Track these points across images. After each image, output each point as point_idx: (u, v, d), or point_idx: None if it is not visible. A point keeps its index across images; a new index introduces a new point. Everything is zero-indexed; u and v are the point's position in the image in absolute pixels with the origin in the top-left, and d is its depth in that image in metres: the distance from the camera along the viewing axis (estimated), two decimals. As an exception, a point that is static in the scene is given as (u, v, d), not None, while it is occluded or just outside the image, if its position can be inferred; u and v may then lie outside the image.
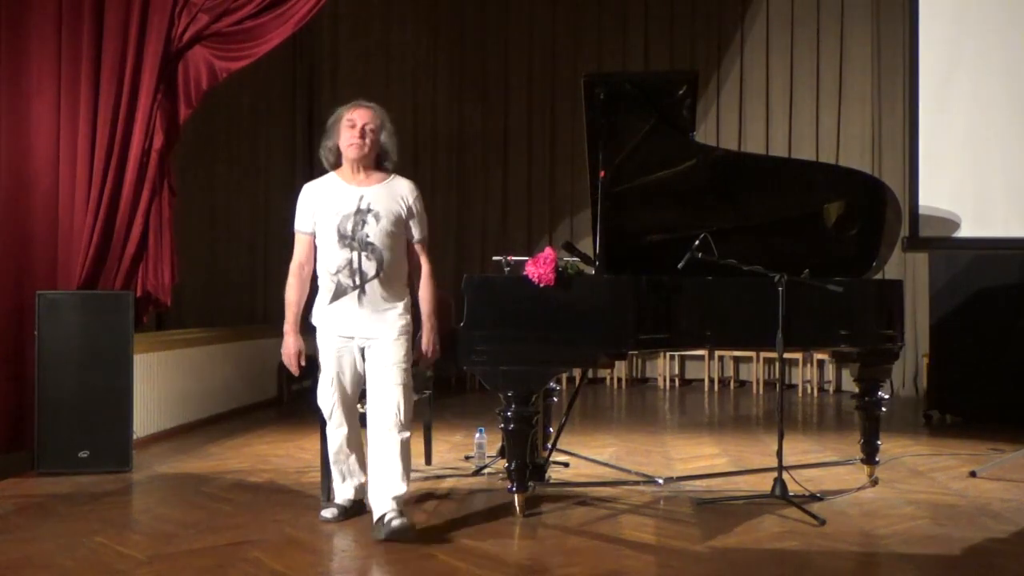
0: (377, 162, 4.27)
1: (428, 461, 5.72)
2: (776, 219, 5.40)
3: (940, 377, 7.81)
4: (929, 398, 7.99)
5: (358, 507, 4.42)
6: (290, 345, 4.41)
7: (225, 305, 9.41)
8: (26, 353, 5.53)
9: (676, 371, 10.32)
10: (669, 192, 5.34)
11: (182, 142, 6.30)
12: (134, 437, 5.63)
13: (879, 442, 5.29)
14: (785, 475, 4.76)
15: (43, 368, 5.39)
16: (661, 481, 5.31)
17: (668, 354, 10.11)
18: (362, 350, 4.25)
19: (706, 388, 10.03)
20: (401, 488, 4.11)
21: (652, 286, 4.64)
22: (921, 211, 7.00)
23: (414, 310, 4.33)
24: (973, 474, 5.52)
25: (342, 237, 4.15)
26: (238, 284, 9.70)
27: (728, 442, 6.69)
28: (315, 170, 10.42)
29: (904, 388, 9.55)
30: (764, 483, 4.94)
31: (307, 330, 4.45)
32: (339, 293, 4.19)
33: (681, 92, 5.14)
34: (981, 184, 7.76)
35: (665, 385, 10.20)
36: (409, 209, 4.25)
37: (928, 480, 5.46)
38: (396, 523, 4.00)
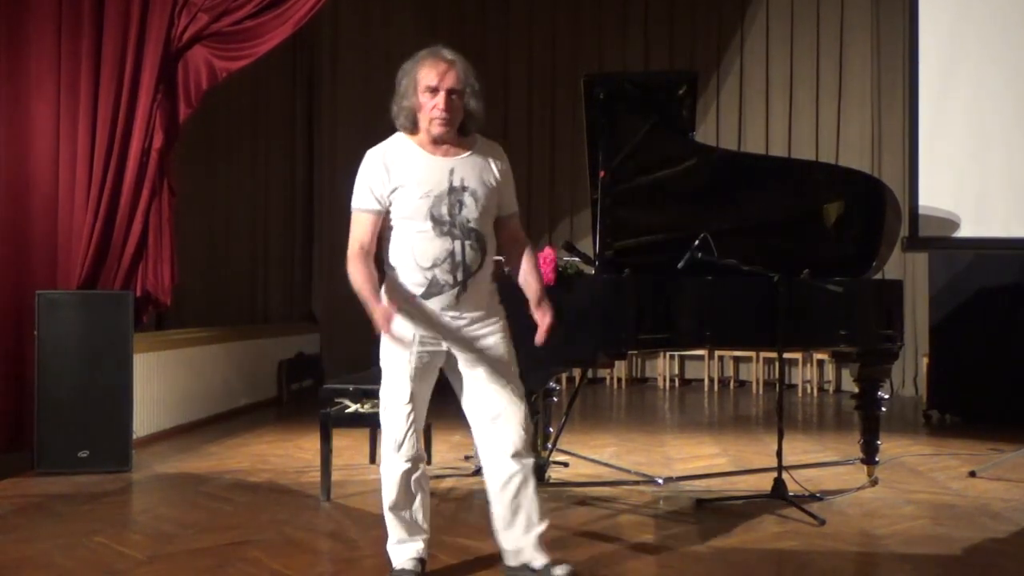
0: (461, 127, 3.46)
1: (428, 461, 5.71)
2: (776, 219, 5.40)
3: (940, 377, 7.81)
4: (929, 398, 7.99)
5: (424, 569, 3.58)
6: (381, 312, 3.28)
7: (225, 305, 9.40)
8: (26, 353, 5.53)
9: (676, 371, 10.32)
10: (669, 192, 5.34)
11: (182, 142, 6.29)
12: (134, 437, 5.63)
13: (879, 442, 5.29)
14: (785, 475, 4.76)
15: (43, 368, 5.38)
16: (661, 481, 5.31)
17: (668, 354, 10.12)
18: (451, 359, 3.47)
19: (706, 388, 10.03)
20: (543, 525, 3.45)
21: (652, 286, 4.64)
22: (921, 211, 7.01)
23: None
24: (973, 474, 5.52)
25: (439, 223, 3.32)
26: (238, 284, 9.70)
27: (728, 442, 6.69)
28: (315, 170, 10.46)
29: (904, 388, 9.55)
30: (764, 483, 4.93)
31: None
32: (433, 291, 3.35)
33: (681, 92, 5.15)
34: (981, 184, 7.76)
35: (665, 385, 10.20)
36: (500, 179, 3.47)
37: (928, 480, 5.46)
38: (560, 571, 3.39)
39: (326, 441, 4.80)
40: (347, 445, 5.93)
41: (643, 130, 5.08)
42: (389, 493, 3.48)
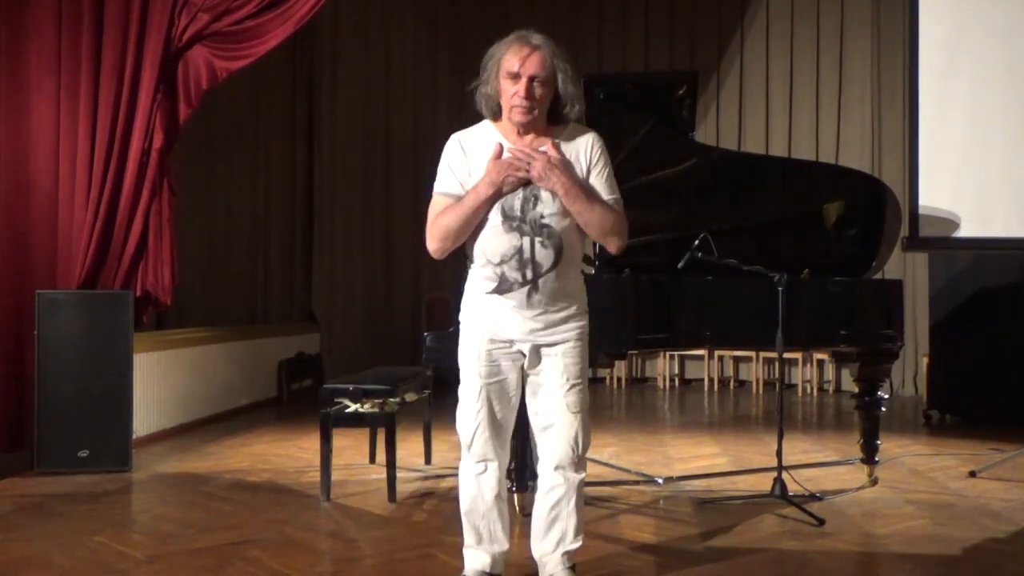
0: (551, 114, 3.24)
1: (428, 461, 5.72)
2: (776, 219, 5.40)
3: (940, 377, 7.81)
4: (929, 398, 7.99)
5: None
6: (487, 170, 3.17)
7: (225, 304, 9.42)
8: (26, 352, 5.53)
9: (676, 371, 10.32)
10: (669, 192, 5.34)
11: (182, 142, 6.29)
12: (134, 436, 5.63)
13: (879, 442, 5.29)
14: (785, 475, 4.76)
15: (43, 367, 5.38)
16: (661, 481, 5.30)
17: (668, 354, 10.11)
18: (524, 359, 3.28)
19: (706, 388, 10.02)
20: (576, 544, 3.33)
21: (652, 286, 4.64)
22: (921, 211, 7.02)
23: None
24: (973, 474, 5.52)
25: (508, 218, 3.17)
26: (238, 284, 9.71)
27: (728, 442, 6.69)
28: (315, 171, 10.46)
29: (904, 388, 9.54)
30: (764, 483, 4.94)
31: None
32: (503, 288, 3.20)
33: (681, 92, 5.15)
34: (981, 184, 7.77)
35: (665, 385, 10.20)
36: (590, 169, 3.24)
37: (928, 480, 5.45)
38: None
39: (326, 441, 4.80)
40: (347, 445, 5.93)
41: (643, 130, 5.09)
42: (461, 494, 3.36)
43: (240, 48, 5.82)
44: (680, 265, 4.67)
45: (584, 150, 3.25)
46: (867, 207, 5.35)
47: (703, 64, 10.20)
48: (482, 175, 3.18)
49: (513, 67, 3.13)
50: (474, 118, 3.38)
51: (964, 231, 7.62)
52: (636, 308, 4.59)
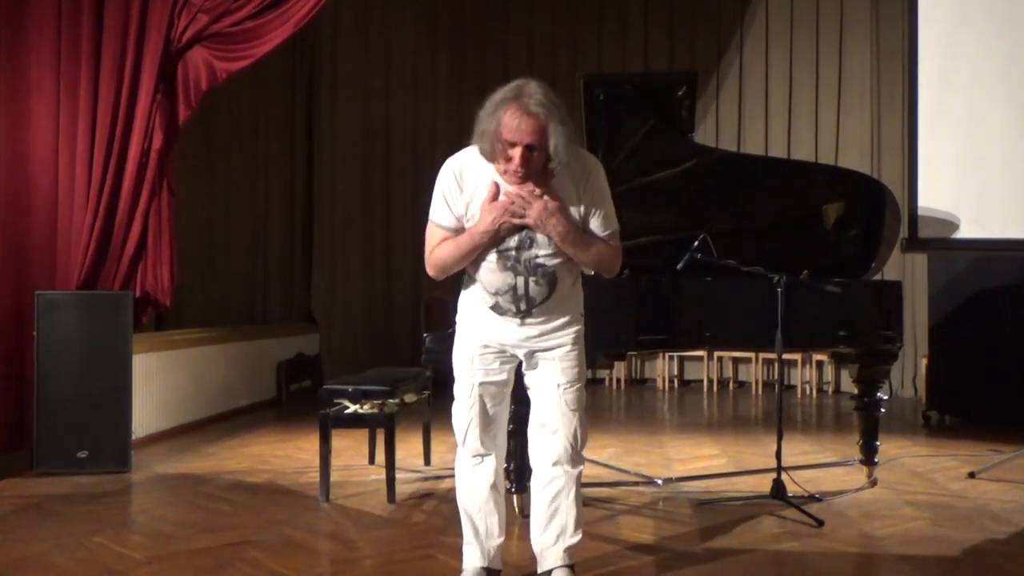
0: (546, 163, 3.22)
1: (427, 461, 5.72)
2: (775, 220, 5.40)
3: (939, 378, 7.81)
4: (928, 399, 7.99)
5: None
6: (487, 211, 3.19)
7: (224, 305, 9.42)
8: (25, 353, 5.53)
9: (675, 372, 10.32)
10: (668, 193, 5.34)
11: (182, 143, 6.30)
12: (133, 437, 5.63)
13: (878, 443, 5.29)
14: (784, 476, 4.75)
15: (42, 369, 5.38)
16: (660, 482, 5.30)
17: (667, 355, 10.11)
18: (520, 361, 3.36)
19: (705, 389, 10.02)
20: (576, 537, 3.37)
21: (651, 287, 4.64)
22: (920, 212, 7.01)
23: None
24: (972, 475, 5.52)
25: (503, 256, 3.22)
26: (237, 285, 9.72)
27: (727, 443, 6.69)
28: (314, 172, 10.47)
29: (903, 389, 9.54)
30: (763, 484, 4.93)
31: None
32: (497, 311, 3.28)
33: (680, 93, 5.15)
34: (980, 185, 7.76)
35: (664, 386, 10.20)
36: (586, 205, 3.24)
37: (927, 481, 5.45)
38: None
39: (325, 442, 4.80)
40: (346, 446, 5.93)
41: (643, 131, 5.09)
42: (458, 488, 3.42)
43: (240, 49, 5.82)
44: (679, 266, 4.68)
45: (577, 187, 3.24)
46: (866, 208, 5.35)
47: (703, 64, 10.21)
48: (479, 218, 3.20)
49: (511, 136, 3.09)
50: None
51: (963, 232, 7.60)
52: (636, 309, 4.59)
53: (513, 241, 3.21)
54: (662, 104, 5.15)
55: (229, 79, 6.01)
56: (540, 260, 3.21)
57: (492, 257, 3.23)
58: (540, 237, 3.20)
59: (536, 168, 3.17)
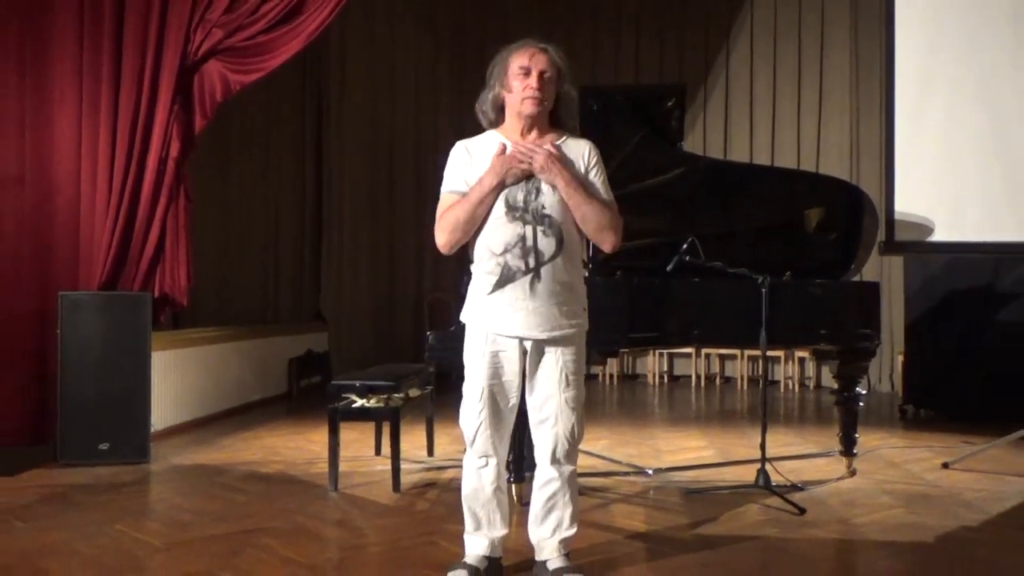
0: (552, 118, 3.33)
1: (430, 453, 5.72)
2: (760, 224, 5.41)
3: (915, 374, 7.82)
4: (904, 393, 7.99)
5: (494, 568, 3.39)
6: (493, 163, 3.23)
7: (238, 305, 9.41)
8: (49, 351, 5.52)
9: (665, 368, 10.31)
10: (659, 198, 5.34)
11: (198, 151, 6.29)
12: (151, 430, 5.63)
13: (856, 435, 5.30)
14: (768, 466, 4.76)
15: (65, 365, 5.38)
16: (651, 472, 5.31)
17: (657, 352, 10.11)
18: (526, 353, 3.28)
19: (693, 384, 10.02)
20: (571, 531, 3.37)
21: (643, 287, 4.65)
22: (897, 217, 7.02)
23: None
24: (946, 465, 5.53)
25: (511, 208, 3.19)
26: (250, 285, 9.70)
27: (714, 435, 6.69)
28: (323, 179, 10.46)
29: (880, 384, 9.55)
30: (748, 474, 4.94)
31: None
32: (505, 279, 3.19)
33: (670, 104, 5.16)
34: (954, 191, 7.77)
35: (654, 381, 10.19)
36: (589, 171, 3.29)
37: (903, 471, 5.46)
38: None
39: (334, 434, 4.80)
40: (354, 438, 5.93)
41: (634, 140, 5.09)
42: (464, 484, 3.39)
43: (252, 62, 5.81)
44: (669, 268, 4.68)
45: (582, 156, 3.30)
46: (846, 213, 5.36)
47: (691, 76, 10.21)
48: (487, 169, 3.22)
49: (524, 62, 3.20)
50: (472, 128, 3.39)
51: (938, 236, 7.61)
52: (628, 309, 4.59)
53: (520, 192, 3.20)
54: (653, 115, 5.16)
55: (242, 91, 6.00)
56: (547, 210, 3.19)
57: (500, 211, 3.20)
58: (546, 188, 3.20)
59: (550, 98, 3.24)
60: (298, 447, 6.13)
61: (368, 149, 10.35)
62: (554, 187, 3.19)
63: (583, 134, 3.41)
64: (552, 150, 3.23)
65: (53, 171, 5.77)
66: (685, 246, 4.69)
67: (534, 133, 3.28)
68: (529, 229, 3.18)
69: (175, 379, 6.65)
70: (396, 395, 4.93)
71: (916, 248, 8.07)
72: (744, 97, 10.28)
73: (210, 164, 8.62)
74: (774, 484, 4.72)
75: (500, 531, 3.38)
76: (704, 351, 10.06)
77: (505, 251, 3.19)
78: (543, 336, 3.23)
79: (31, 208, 5.74)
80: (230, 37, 5.74)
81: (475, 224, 3.24)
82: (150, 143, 5.73)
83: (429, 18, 10.63)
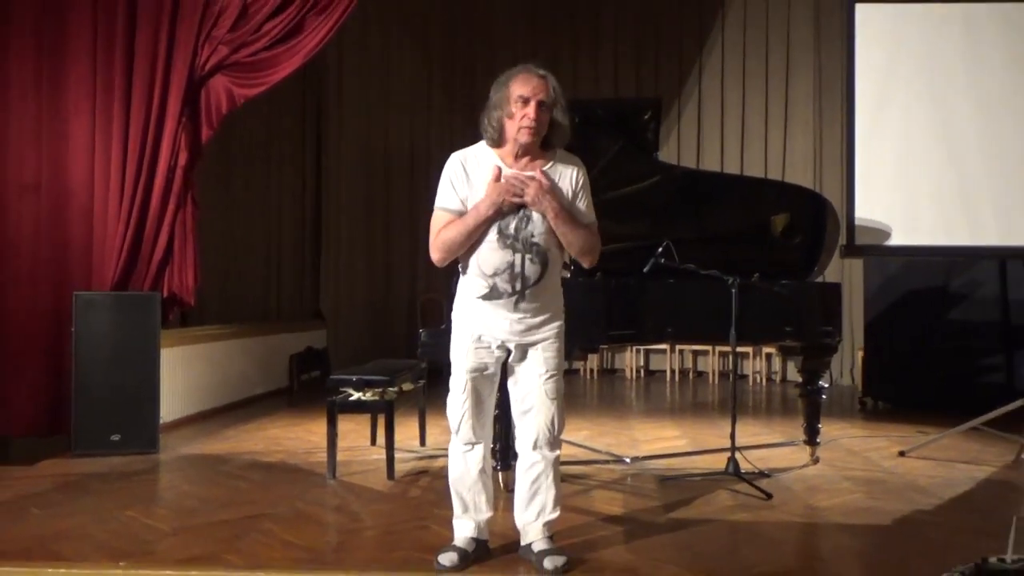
0: (543, 141, 3.29)
1: (423, 443, 5.72)
2: (730, 229, 5.42)
3: (873, 368, 7.86)
4: (864, 387, 8.04)
5: (482, 550, 3.41)
6: (487, 192, 3.22)
7: (242, 304, 9.38)
8: (64, 348, 5.50)
9: (641, 363, 10.33)
10: (636, 205, 5.34)
11: (204, 160, 6.27)
12: (161, 422, 5.61)
13: (819, 425, 5.32)
14: (737, 455, 4.78)
15: (80, 361, 5.36)
16: (628, 460, 5.32)
17: (634, 348, 10.12)
18: (508, 353, 3.34)
19: (668, 378, 10.04)
20: (554, 514, 3.40)
21: (620, 288, 4.66)
22: (857, 222, 7.04)
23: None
24: (902, 454, 5.56)
25: (503, 235, 3.22)
26: (253, 286, 9.68)
27: (687, 425, 6.71)
28: (322, 185, 10.46)
29: (842, 378, 9.59)
30: (719, 462, 4.96)
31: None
32: (493, 296, 3.26)
33: (646, 117, 5.16)
34: (910, 198, 7.79)
35: (632, 375, 10.21)
36: (576, 195, 3.30)
37: (863, 459, 5.49)
38: (549, 564, 3.27)
39: (332, 425, 4.79)
40: (351, 429, 5.92)
41: (613, 150, 5.09)
42: (451, 469, 3.42)
43: (256, 77, 5.81)
44: (645, 269, 4.69)
45: (571, 178, 3.31)
46: (810, 219, 5.38)
47: (666, 88, 10.24)
48: (483, 196, 3.22)
49: (524, 92, 3.18)
50: (461, 139, 3.38)
51: (895, 240, 7.62)
52: (607, 308, 4.61)
53: (513, 221, 3.21)
54: (631, 127, 5.15)
55: (247, 103, 5.99)
56: (535, 239, 3.22)
57: (493, 236, 3.22)
58: (536, 217, 3.21)
59: (544, 128, 3.22)
60: (298, 438, 6.11)
61: (364, 159, 10.34)
62: (543, 216, 3.22)
63: (566, 144, 3.41)
64: (543, 180, 3.23)
65: (68, 179, 5.74)
66: (660, 249, 4.69)
67: (526, 158, 3.27)
68: (518, 257, 3.22)
69: (183, 374, 6.63)
70: (390, 389, 4.93)
71: (875, 251, 8.08)
72: (715, 110, 10.32)
73: (216, 173, 8.60)
74: (743, 471, 4.73)
75: (485, 514, 3.41)
76: (678, 347, 10.08)
77: (495, 274, 3.24)
78: (525, 341, 3.30)
79: (48, 213, 5.71)
80: (235, 53, 5.73)
81: (468, 245, 3.26)
82: (159, 152, 5.71)
83: (422, 38, 10.62)
